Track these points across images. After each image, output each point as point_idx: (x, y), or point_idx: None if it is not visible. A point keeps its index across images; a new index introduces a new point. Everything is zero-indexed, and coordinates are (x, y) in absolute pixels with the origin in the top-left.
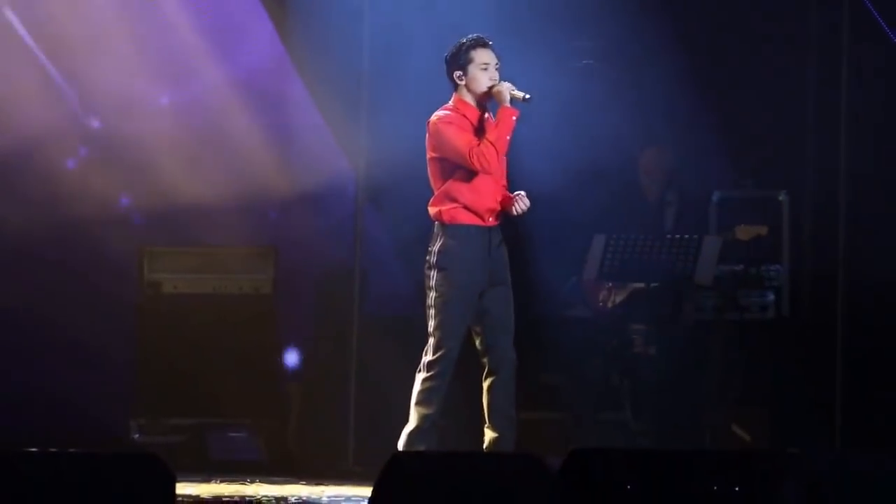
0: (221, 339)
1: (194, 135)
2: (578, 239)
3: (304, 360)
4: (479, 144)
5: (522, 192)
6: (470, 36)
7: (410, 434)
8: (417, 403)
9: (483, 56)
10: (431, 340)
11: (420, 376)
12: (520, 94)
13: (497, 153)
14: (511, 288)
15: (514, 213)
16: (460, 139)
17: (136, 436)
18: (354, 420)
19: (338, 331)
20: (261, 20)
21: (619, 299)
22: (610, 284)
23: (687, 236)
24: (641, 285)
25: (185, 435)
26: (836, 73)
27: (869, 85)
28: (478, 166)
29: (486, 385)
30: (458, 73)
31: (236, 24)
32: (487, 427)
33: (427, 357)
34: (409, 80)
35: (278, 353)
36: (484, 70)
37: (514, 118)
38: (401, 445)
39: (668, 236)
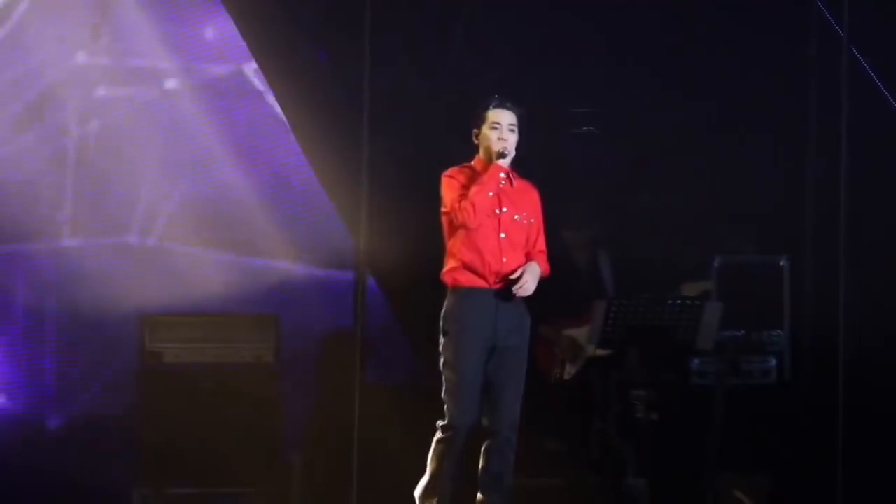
0: (223, 407)
1: (196, 203)
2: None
3: (307, 429)
4: (461, 200)
5: (520, 272)
6: (492, 97)
7: (423, 486)
8: (430, 459)
9: (495, 116)
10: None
11: (436, 435)
12: (496, 150)
13: (474, 208)
14: (525, 353)
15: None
16: (450, 193)
17: None
18: (357, 488)
19: (340, 399)
20: (260, 89)
21: (571, 372)
22: (563, 359)
23: (689, 301)
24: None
25: None
26: (835, 137)
27: (869, 149)
28: (458, 221)
29: (483, 447)
30: (474, 130)
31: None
32: (479, 491)
33: (441, 421)
34: (410, 150)
35: (280, 422)
36: (494, 129)
37: (499, 174)
38: (416, 494)
39: (670, 301)
